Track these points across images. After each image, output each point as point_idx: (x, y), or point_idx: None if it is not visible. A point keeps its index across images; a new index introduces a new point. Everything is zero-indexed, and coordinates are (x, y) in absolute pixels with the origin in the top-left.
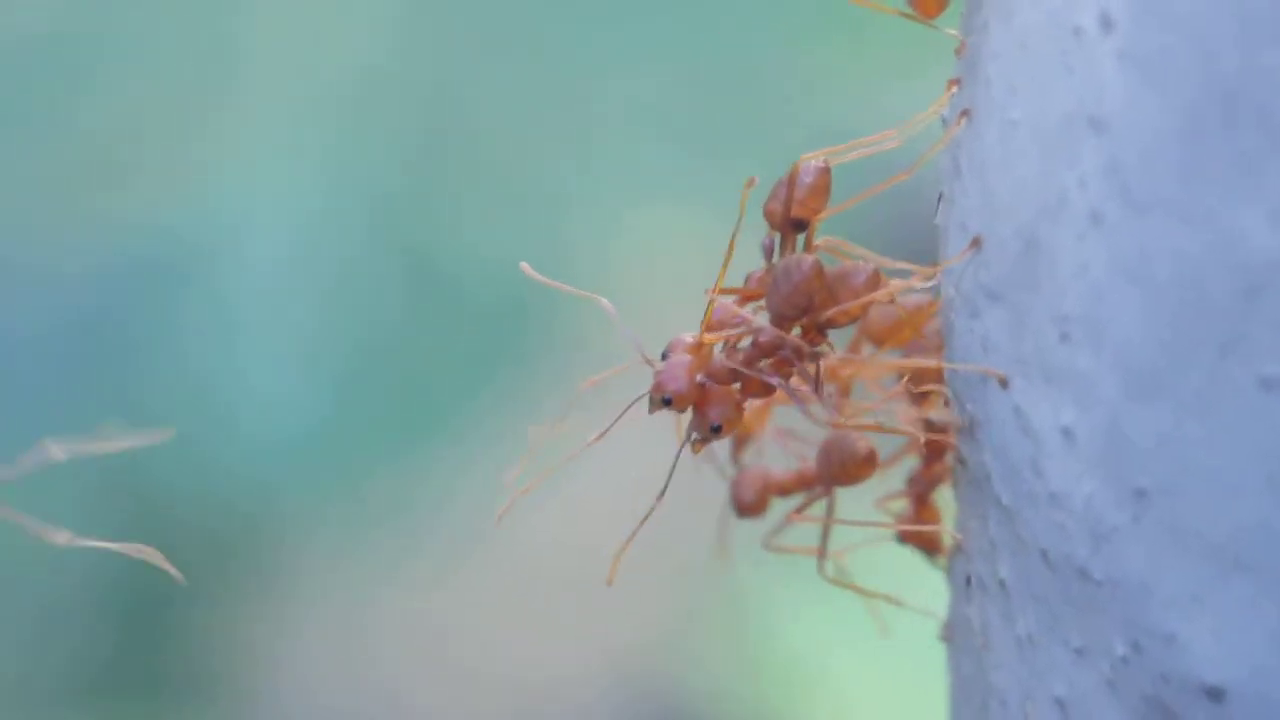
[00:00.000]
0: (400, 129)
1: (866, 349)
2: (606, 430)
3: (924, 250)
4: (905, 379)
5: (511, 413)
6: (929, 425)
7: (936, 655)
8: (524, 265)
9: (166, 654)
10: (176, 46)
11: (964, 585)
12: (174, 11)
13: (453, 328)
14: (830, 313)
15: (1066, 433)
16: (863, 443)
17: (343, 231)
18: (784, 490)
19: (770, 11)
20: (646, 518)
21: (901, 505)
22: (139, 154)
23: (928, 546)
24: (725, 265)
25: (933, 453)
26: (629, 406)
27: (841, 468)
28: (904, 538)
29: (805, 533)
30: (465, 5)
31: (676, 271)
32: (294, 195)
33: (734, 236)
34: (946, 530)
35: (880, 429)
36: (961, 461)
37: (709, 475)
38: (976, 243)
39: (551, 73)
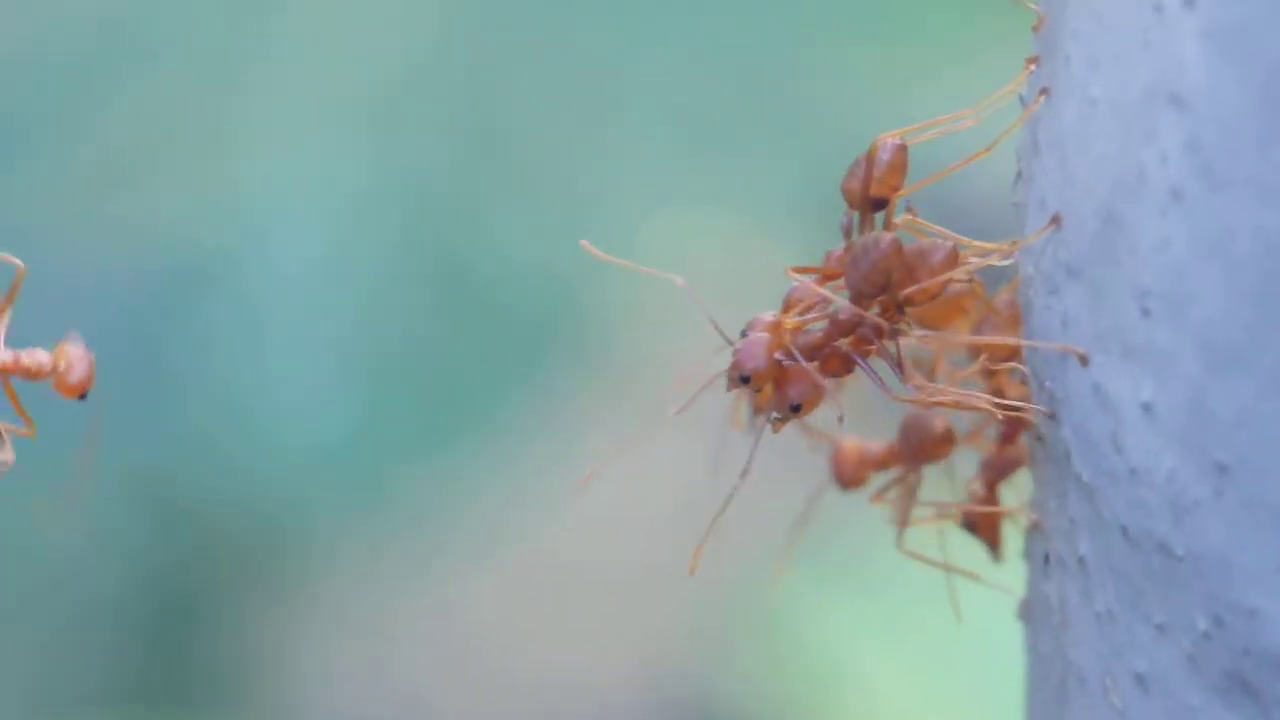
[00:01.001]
0: (430, 132)
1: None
2: (687, 404)
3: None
4: (983, 357)
5: (540, 416)
6: (1006, 404)
7: (967, 656)
8: (585, 243)
9: (193, 660)
10: (205, 50)
11: (1042, 563)
12: (203, 15)
13: (482, 331)
14: (909, 291)
15: (1147, 408)
16: (940, 421)
17: (372, 236)
18: (881, 465)
19: (797, 13)
20: (729, 501)
21: (974, 489)
22: (168, 160)
23: (991, 542)
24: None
25: (1008, 434)
26: (708, 383)
27: (920, 446)
28: (970, 526)
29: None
30: (496, 9)
31: (706, 272)
32: (323, 200)
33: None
34: (1016, 518)
35: (959, 406)
36: (1040, 439)
37: (735, 477)
38: (1056, 220)
39: (582, 75)
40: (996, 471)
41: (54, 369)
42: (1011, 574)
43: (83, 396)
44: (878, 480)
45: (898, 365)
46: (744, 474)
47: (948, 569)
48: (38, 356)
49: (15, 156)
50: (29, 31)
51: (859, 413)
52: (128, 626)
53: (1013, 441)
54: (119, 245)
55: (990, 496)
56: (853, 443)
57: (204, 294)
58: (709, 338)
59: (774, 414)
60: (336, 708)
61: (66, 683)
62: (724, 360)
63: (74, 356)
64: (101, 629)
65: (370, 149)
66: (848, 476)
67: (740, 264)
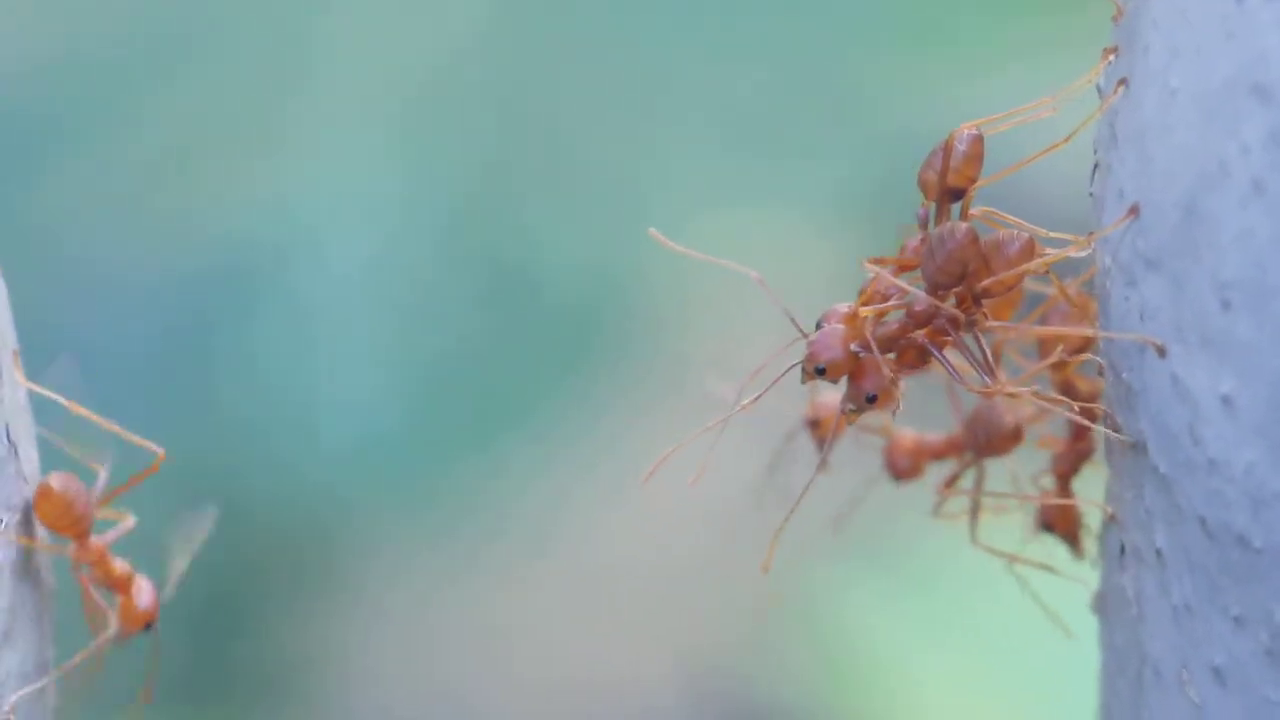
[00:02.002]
0: (477, 130)
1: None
2: (758, 398)
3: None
4: (1059, 349)
5: (585, 415)
6: (1080, 396)
7: (1015, 652)
8: (652, 231)
9: (237, 657)
10: (252, 50)
11: (1118, 555)
12: (250, 14)
13: (527, 330)
14: (985, 282)
15: (1226, 400)
16: (1009, 416)
17: (418, 234)
18: (938, 455)
19: (846, 13)
20: (806, 491)
21: (1046, 484)
22: (216, 158)
23: (1070, 537)
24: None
25: (1079, 429)
26: (782, 375)
27: (987, 439)
28: (1048, 523)
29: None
30: (543, 6)
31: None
32: (371, 199)
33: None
34: (1089, 512)
35: (1035, 398)
36: (1116, 431)
37: (782, 474)
38: (1134, 210)
39: (628, 73)
40: (1068, 466)
41: (127, 586)
42: (1073, 566)
43: (147, 627)
44: (932, 472)
45: (979, 358)
46: (821, 466)
47: (1018, 561)
48: (125, 567)
49: (66, 155)
50: (77, 31)
51: (911, 403)
52: (170, 625)
53: (1084, 437)
54: (168, 243)
55: (1064, 491)
56: (909, 433)
57: (251, 292)
58: (758, 334)
59: (849, 406)
60: (380, 706)
61: (109, 682)
62: (795, 353)
63: (143, 586)
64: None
65: (417, 147)
66: (903, 467)
67: (787, 262)
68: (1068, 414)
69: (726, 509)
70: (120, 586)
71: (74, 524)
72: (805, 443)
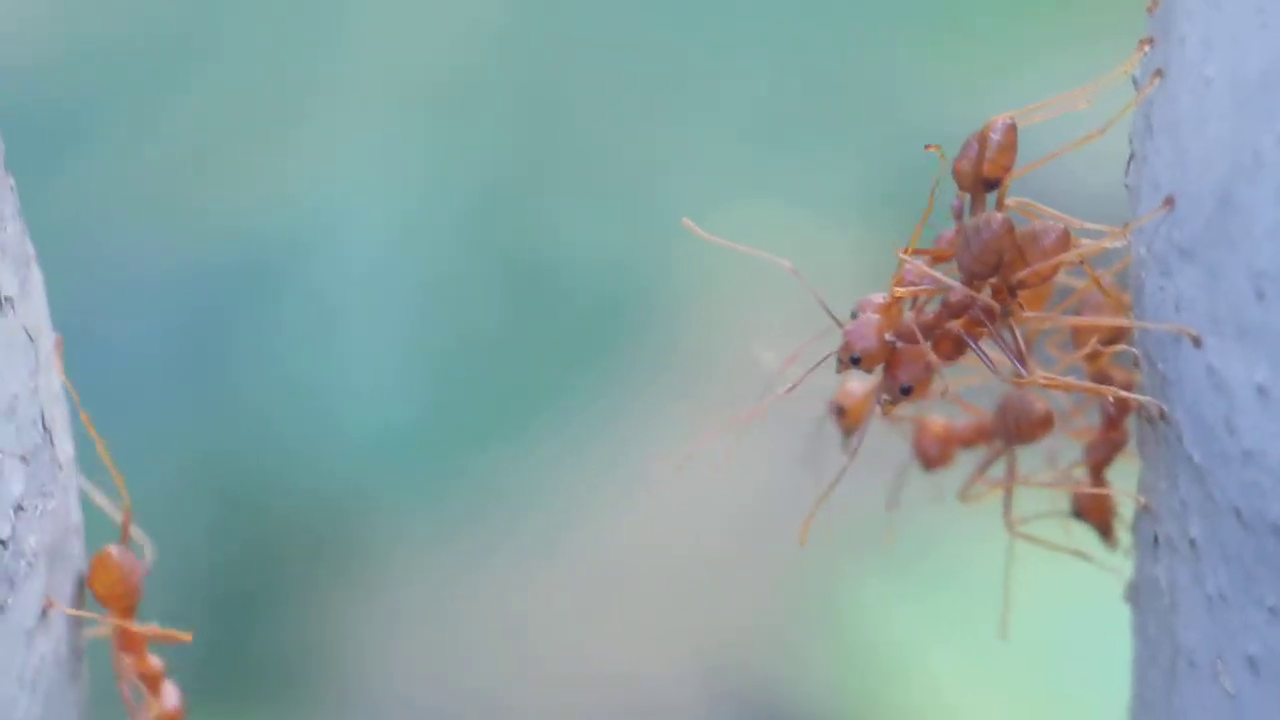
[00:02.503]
0: (497, 127)
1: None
2: (798, 383)
3: None
4: (1094, 339)
5: (607, 409)
6: (1118, 386)
7: (1038, 650)
8: (686, 221)
9: (256, 650)
10: (273, 43)
11: (1151, 545)
12: (272, 11)
13: (549, 324)
14: (1021, 274)
15: (1262, 390)
16: (1040, 404)
17: (439, 229)
18: (966, 442)
19: (867, 7)
20: (838, 479)
21: (1079, 474)
22: (238, 153)
23: (1102, 526)
24: (923, 221)
25: (1114, 418)
26: (820, 362)
27: (1017, 427)
28: (1080, 512)
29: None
30: (562, 2)
31: (774, 267)
32: (392, 193)
33: (932, 190)
34: (1122, 501)
35: (1070, 387)
36: (1150, 421)
37: (802, 472)
38: (1169, 201)
39: (647, 68)
40: (1102, 455)
41: (157, 684)
42: (1107, 555)
43: None
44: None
45: (1014, 349)
46: (850, 453)
47: (1052, 548)
48: (158, 665)
49: (86, 149)
50: (101, 25)
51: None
52: (188, 619)
53: (1118, 426)
54: (190, 235)
55: (1097, 480)
56: (938, 420)
57: (273, 284)
58: (783, 331)
59: (884, 396)
60: (400, 698)
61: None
62: (828, 344)
63: (171, 690)
64: (164, 619)
65: (438, 140)
66: (932, 454)
67: (809, 257)
68: (1102, 403)
69: (747, 506)
70: (150, 682)
71: (124, 597)
72: (834, 431)
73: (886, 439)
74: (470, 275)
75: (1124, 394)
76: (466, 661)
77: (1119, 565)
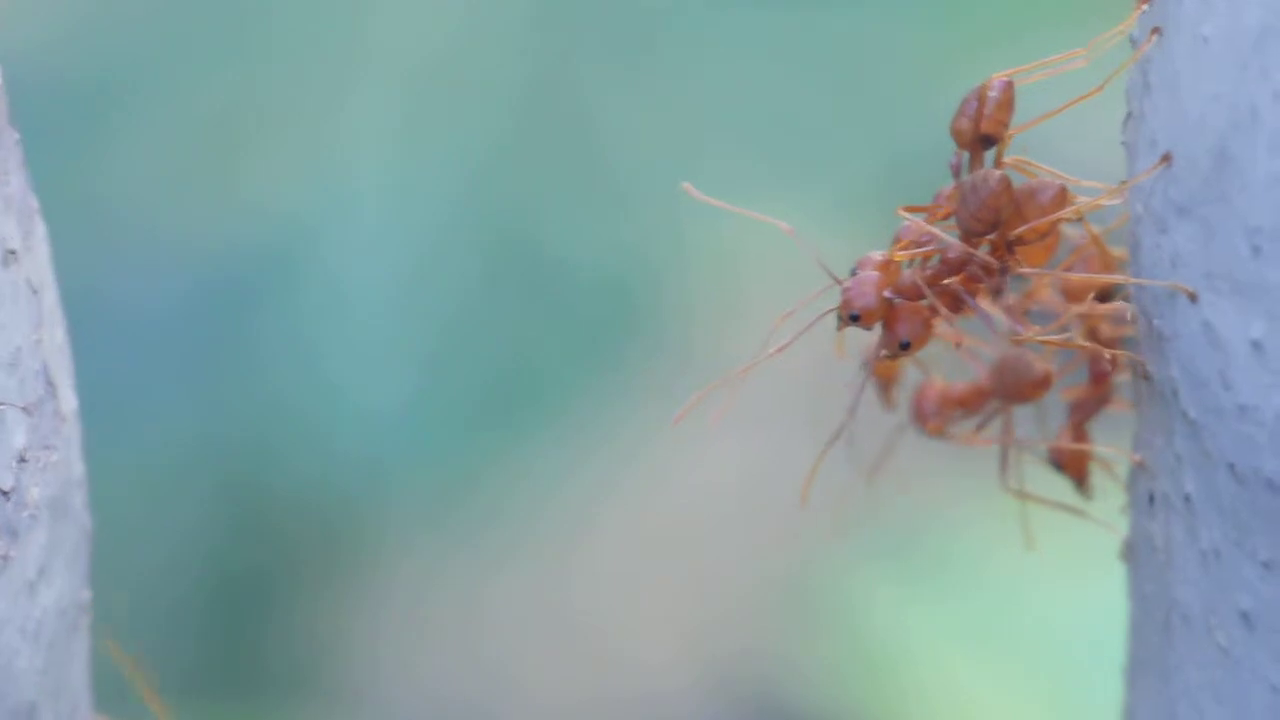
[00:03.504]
0: (501, 118)
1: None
2: (788, 344)
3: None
4: (1090, 295)
5: (622, 407)
6: (1108, 342)
7: (1046, 653)
8: (686, 185)
9: (271, 645)
10: (294, 34)
11: (1146, 502)
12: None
13: (566, 320)
14: (1019, 230)
15: (1256, 345)
16: (1039, 364)
17: (461, 221)
18: (964, 404)
19: (879, 9)
20: (833, 440)
21: (1064, 427)
22: (256, 138)
23: (1077, 478)
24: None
25: (1101, 374)
26: (815, 320)
27: (1015, 387)
28: (1059, 463)
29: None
30: (576, 6)
31: (768, 265)
32: (412, 182)
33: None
34: (1111, 458)
35: (1067, 345)
36: (1146, 378)
37: (810, 476)
38: (1166, 158)
39: (653, 60)
40: (1086, 411)
41: None
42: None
43: None
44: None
45: (1011, 306)
46: (852, 412)
47: (1047, 505)
48: None
49: (107, 134)
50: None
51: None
52: (201, 614)
53: (1104, 382)
54: (213, 216)
55: (1079, 435)
56: (935, 383)
57: (292, 272)
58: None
59: (883, 352)
60: (412, 691)
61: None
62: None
63: None
64: (174, 618)
65: (457, 132)
66: (930, 416)
67: (802, 258)
68: (1090, 361)
69: (760, 507)
70: None
71: None
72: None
73: (902, 449)
74: (489, 270)
75: (1119, 353)
76: (480, 656)
77: (1116, 524)
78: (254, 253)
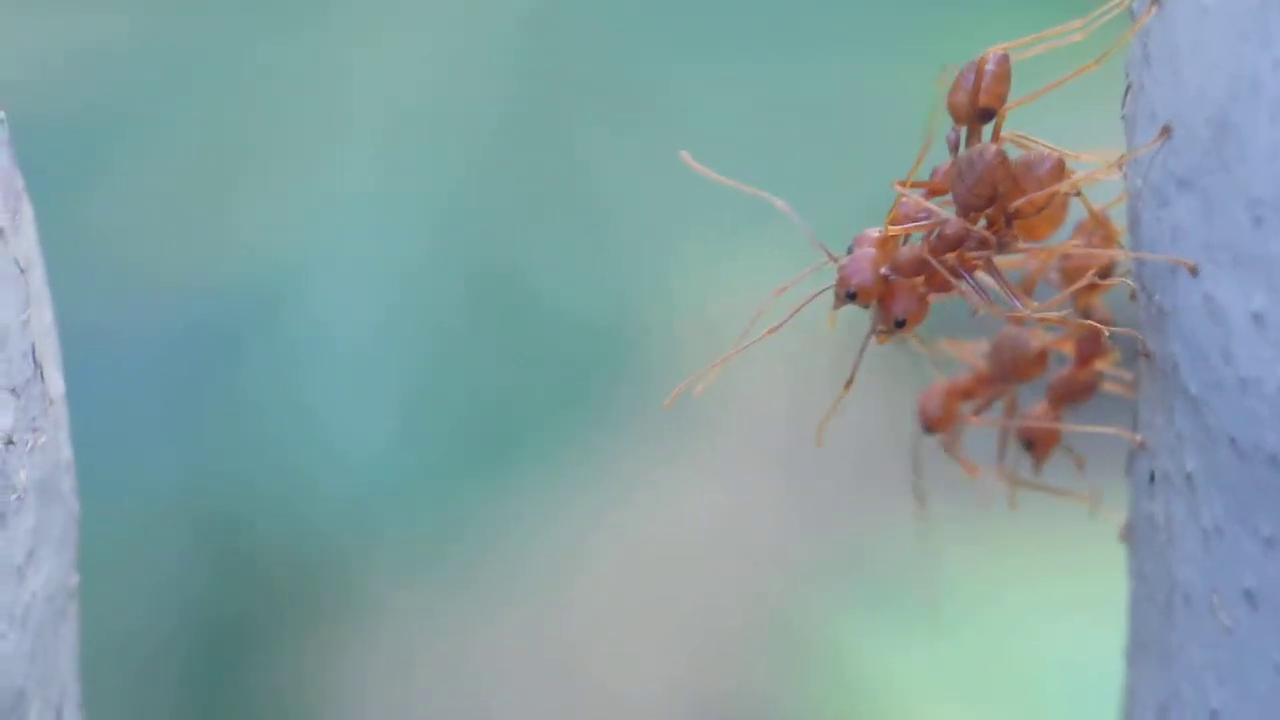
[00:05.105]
0: (494, 163)
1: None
2: (783, 323)
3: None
4: (1091, 272)
5: (607, 443)
6: (1103, 322)
7: (1039, 697)
8: (684, 154)
9: (255, 689)
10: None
11: (1147, 482)
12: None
13: (553, 365)
14: (1017, 203)
15: (1258, 318)
16: (1035, 341)
17: (439, 261)
18: (968, 393)
19: (870, 56)
20: (837, 403)
21: (1039, 405)
22: (245, 179)
23: (1042, 455)
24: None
25: (1086, 355)
26: (812, 297)
27: (1013, 365)
28: (1029, 440)
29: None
30: (558, 30)
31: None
32: (392, 225)
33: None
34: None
35: (1065, 322)
36: (1147, 355)
37: (787, 507)
38: (1166, 130)
39: (637, 103)
40: (1065, 392)
41: None
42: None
43: None
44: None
45: (1008, 283)
46: (849, 384)
47: (1042, 490)
48: None
49: (92, 173)
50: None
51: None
52: (184, 653)
53: (1089, 364)
54: (185, 261)
55: (1053, 414)
56: (936, 381)
57: (271, 314)
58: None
59: (880, 328)
60: None
61: (124, 715)
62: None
63: None
64: (155, 656)
65: (435, 177)
66: (935, 414)
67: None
68: (1077, 340)
69: (749, 550)
70: None
71: None
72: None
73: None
74: (474, 306)
75: (1123, 330)
76: (465, 701)
77: (1116, 516)
78: (238, 293)
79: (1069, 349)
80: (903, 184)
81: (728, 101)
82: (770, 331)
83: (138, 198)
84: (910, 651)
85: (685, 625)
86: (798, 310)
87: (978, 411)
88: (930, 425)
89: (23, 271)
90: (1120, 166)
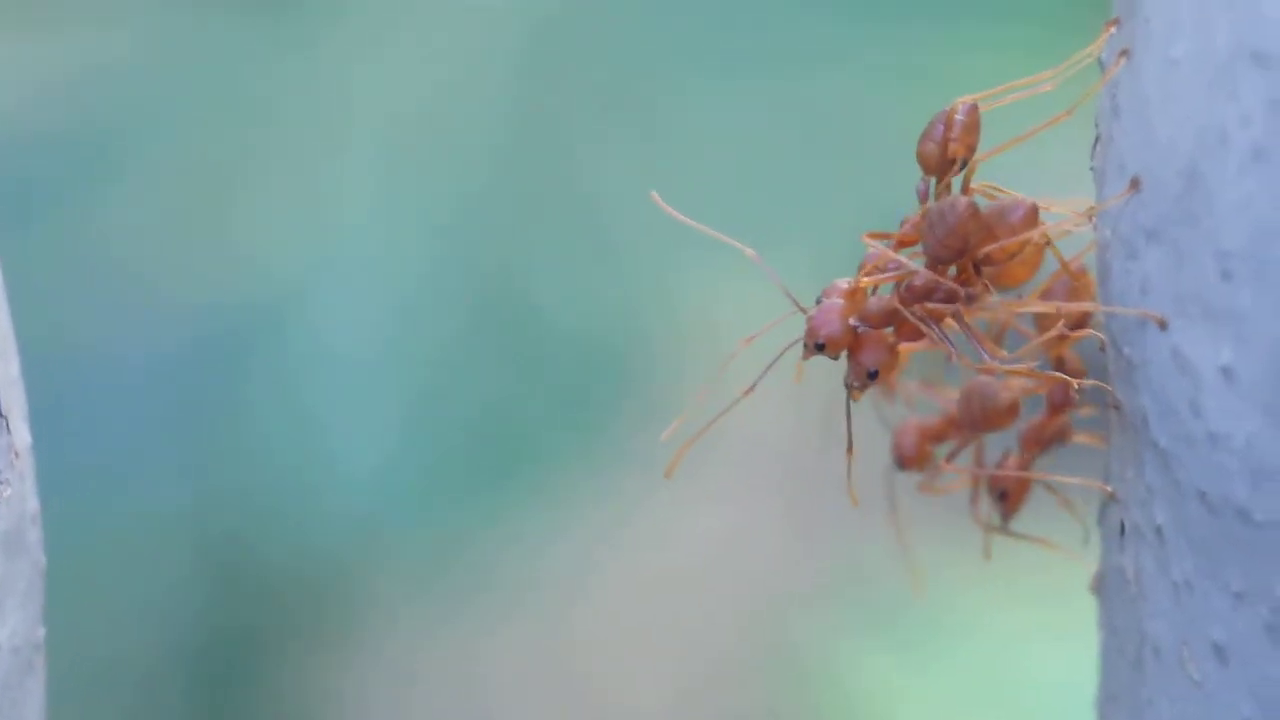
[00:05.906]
0: (497, 177)
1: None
2: (756, 382)
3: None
4: (1060, 323)
5: (611, 462)
6: (1073, 373)
7: (1028, 708)
8: (653, 195)
9: (258, 706)
10: (284, 92)
11: (1118, 534)
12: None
13: (552, 376)
14: (988, 249)
15: (1227, 372)
16: (1005, 392)
17: (442, 277)
18: (939, 437)
19: (867, 74)
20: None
21: (1011, 454)
22: (248, 194)
23: (1013, 507)
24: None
25: (1058, 405)
26: (784, 350)
27: (983, 415)
28: (1003, 491)
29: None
30: (558, 44)
31: (742, 316)
32: (395, 240)
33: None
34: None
35: (1032, 375)
36: (1116, 407)
37: (785, 530)
38: (1135, 183)
39: (639, 118)
40: (1038, 442)
41: None
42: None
43: None
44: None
45: (977, 334)
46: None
47: (1016, 537)
48: None
49: (96, 190)
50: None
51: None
52: (188, 669)
53: (1061, 413)
54: (189, 278)
55: (1025, 463)
56: (911, 419)
57: (274, 329)
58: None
59: (851, 382)
60: None
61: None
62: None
63: None
64: (159, 672)
65: (438, 190)
66: (910, 453)
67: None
68: (1049, 391)
69: (752, 570)
70: None
71: None
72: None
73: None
74: (475, 327)
75: (1088, 381)
76: (465, 714)
77: (1088, 558)
78: (241, 309)
79: (1044, 391)
80: (871, 235)
81: (729, 114)
82: (746, 393)
83: (140, 214)
84: (906, 673)
85: (684, 645)
86: (770, 367)
87: (950, 457)
88: (904, 463)
89: None
90: (1090, 218)
